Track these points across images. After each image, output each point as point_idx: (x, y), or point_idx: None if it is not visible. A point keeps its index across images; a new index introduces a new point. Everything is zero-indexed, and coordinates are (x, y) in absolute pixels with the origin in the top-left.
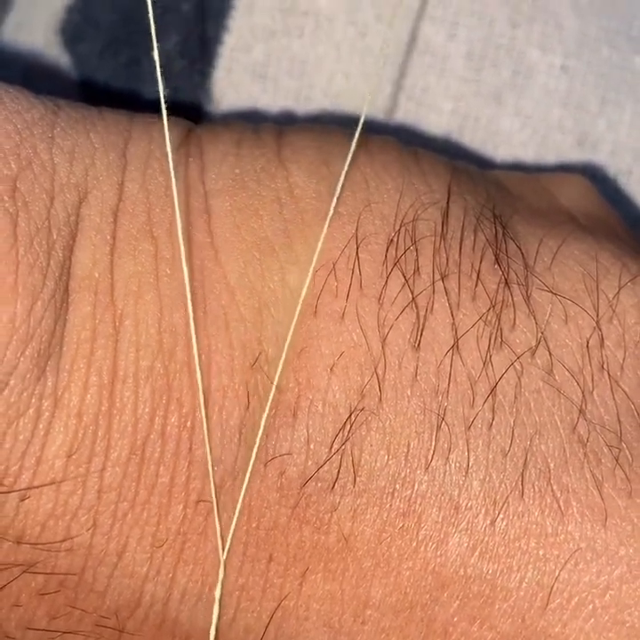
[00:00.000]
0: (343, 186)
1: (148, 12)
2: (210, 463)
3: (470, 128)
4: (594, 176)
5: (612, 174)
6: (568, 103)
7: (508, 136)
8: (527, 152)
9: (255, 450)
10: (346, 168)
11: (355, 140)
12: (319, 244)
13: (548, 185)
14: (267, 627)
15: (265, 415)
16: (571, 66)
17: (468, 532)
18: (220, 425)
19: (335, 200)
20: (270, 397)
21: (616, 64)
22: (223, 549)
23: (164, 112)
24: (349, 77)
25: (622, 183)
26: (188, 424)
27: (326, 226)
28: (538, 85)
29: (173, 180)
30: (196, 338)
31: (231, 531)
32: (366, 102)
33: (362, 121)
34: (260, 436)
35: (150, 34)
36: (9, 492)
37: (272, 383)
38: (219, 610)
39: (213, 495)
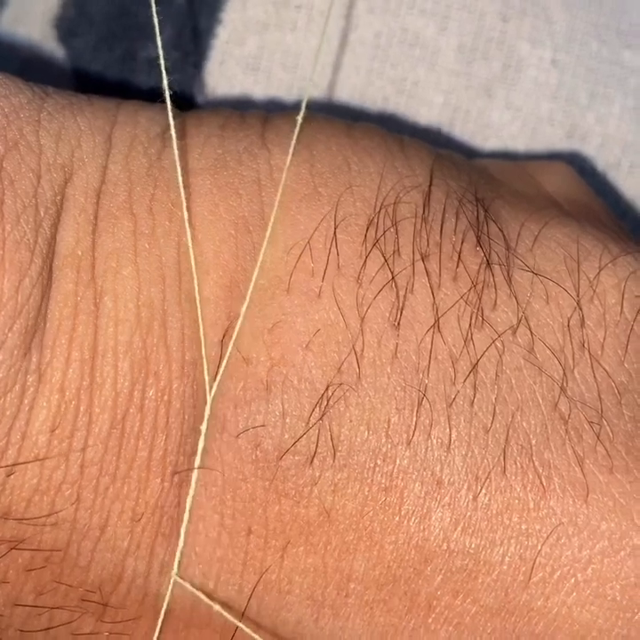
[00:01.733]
0: (324, 168)
1: (142, 6)
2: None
3: (461, 120)
4: (583, 168)
5: (601, 166)
6: (558, 96)
7: (498, 128)
8: (517, 144)
9: (205, 423)
10: (291, 150)
11: (300, 117)
12: (271, 221)
13: (532, 171)
14: (249, 599)
15: (214, 385)
16: (560, 59)
17: (451, 506)
18: (193, 397)
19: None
20: (220, 369)
21: (605, 58)
22: (184, 519)
23: (168, 99)
24: (340, 69)
25: (611, 175)
26: (165, 397)
27: (275, 208)
28: (528, 79)
29: (177, 159)
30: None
31: (189, 499)
32: (309, 84)
33: (305, 102)
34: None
35: (146, 27)
36: None
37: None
38: (181, 580)
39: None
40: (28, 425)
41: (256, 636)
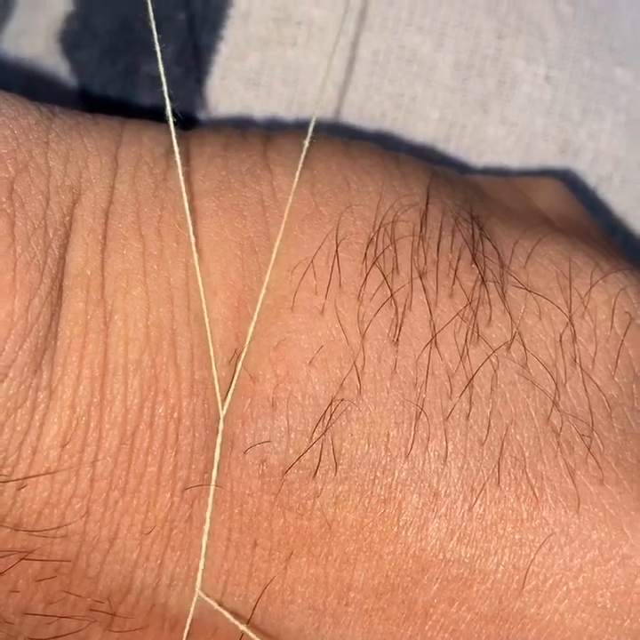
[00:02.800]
0: (325, 187)
1: (146, 22)
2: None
3: (457, 135)
4: (575, 182)
5: (593, 181)
6: (551, 112)
7: (493, 143)
8: (512, 159)
9: (219, 438)
10: (298, 174)
11: (307, 140)
12: (277, 242)
13: (524, 188)
14: (253, 610)
15: (226, 404)
16: (554, 76)
17: (447, 517)
18: (203, 415)
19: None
20: (231, 388)
21: (598, 75)
22: (204, 537)
23: (171, 118)
24: (340, 85)
25: (602, 189)
26: (175, 415)
27: (282, 228)
28: (522, 95)
29: (182, 184)
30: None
31: (208, 516)
32: (317, 105)
33: (312, 122)
34: (230, 426)
35: (149, 41)
36: (7, 482)
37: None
38: (203, 595)
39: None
40: (39, 440)
41: None
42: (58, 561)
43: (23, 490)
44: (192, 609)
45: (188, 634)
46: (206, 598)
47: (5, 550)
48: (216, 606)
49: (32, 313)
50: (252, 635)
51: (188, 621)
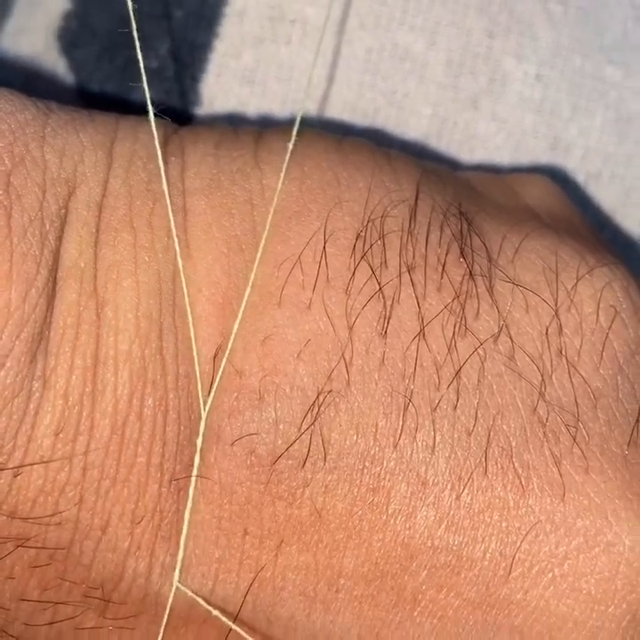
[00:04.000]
0: (314, 184)
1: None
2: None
3: (448, 131)
4: (565, 179)
5: (583, 177)
6: (542, 109)
7: (484, 140)
8: (502, 155)
9: (202, 430)
10: (283, 175)
11: (293, 137)
12: (265, 234)
13: (513, 185)
14: (245, 597)
15: (209, 400)
16: (545, 74)
17: (435, 506)
18: (188, 409)
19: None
20: (214, 382)
21: (588, 73)
22: (184, 527)
23: (151, 115)
24: (333, 82)
25: (592, 185)
26: (163, 407)
27: (268, 224)
28: (513, 92)
29: (164, 178)
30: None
31: (188, 505)
32: (302, 101)
33: (298, 118)
34: (215, 419)
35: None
36: (2, 470)
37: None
38: (182, 586)
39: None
40: (33, 428)
41: (248, 637)
42: (52, 548)
43: (18, 477)
44: (171, 599)
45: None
46: (184, 589)
47: (2, 537)
48: (196, 597)
49: (29, 303)
50: (233, 625)
51: (166, 612)
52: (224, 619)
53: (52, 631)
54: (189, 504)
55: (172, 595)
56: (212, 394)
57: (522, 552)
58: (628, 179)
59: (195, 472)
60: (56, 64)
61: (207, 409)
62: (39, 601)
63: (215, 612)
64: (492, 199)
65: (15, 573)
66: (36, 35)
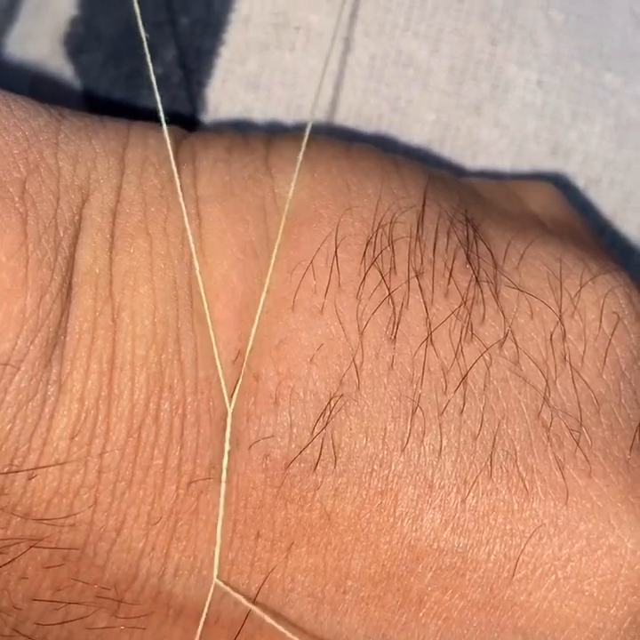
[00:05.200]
0: (325, 190)
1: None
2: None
3: (451, 137)
4: (566, 184)
5: (583, 182)
6: (543, 115)
7: (486, 145)
8: (504, 160)
9: (228, 434)
10: (296, 174)
11: (301, 154)
12: (278, 240)
13: (517, 191)
14: (255, 598)
15: (233, 402)
16: (546, 81)
17: (441, 508)
18: (208, 412)
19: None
20: (237, 385)
21: (588, 80)
22: (218, 529)
23: (163, 122)
24: (338, 89)
25: (592, 190)
26: (180, 411)
27: (281, 229)
28: (515, 98)
29: (179, 186)
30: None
31: (220, 509)
32: (313, 108)
33: (309, 125)
34: (235, 422)
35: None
36: (18, 472)
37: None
38: (221, 583)
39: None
40: (48, 431)
41: (286, 631)
42: (66, 549)
43: (33, 480)
44: (210, 596)
45: (192, 622)
46: (224, 585)
47: (16, 538)
48: (237, 596)
49: (43, 309)
50: (259, 612)
51: (204, 612)
52: (259, 611)
53: (63, 631)
54: (222, 501)
55: (210, 594)
56: (234, 398)
57: (525, 554)
58: (628, 184)
59: (223, 476)
60: (62, 69)
61: (230, 411)
62: (51, 601)
63: (253, 608)
64: (497, 205)
65: (28, 574)
66: (42, 40)
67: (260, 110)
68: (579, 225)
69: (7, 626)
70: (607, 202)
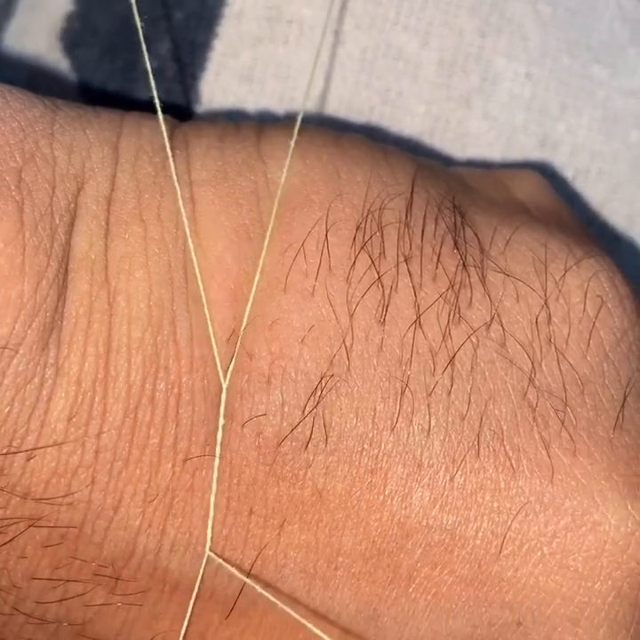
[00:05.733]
0: (316, 176)
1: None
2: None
3: (441, 129)
4: (554, 175)
5: (571, 173)
6: (531, 108)
7: (475, 137)
8: (493, 152)
9: (222, 409)
10: (288, 160)
11: (295, 131)
12: (270, 228)
13: (504, 179)
14: (248, 574)
15: (228, 377)
16: (534, 73)
17: (430, 486)
18: (203, 390)
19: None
20: (232, 361)
21: (576, 72)
22: (211, 503)
23: (159, 109)
24: (329, 81)
25: (580, 181)
26: (175, 390)
27: (274, 213)
28: (504, 91)
29: (173, 169)
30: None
31: (214, 486)
32: (304, 99)
33: (301, 114)
34: (229, 400)
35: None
36: (17, 453)
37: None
38: (214, 555)
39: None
40: (46, 413)
41: (279, 602)
42: (64, 528)
43: (32, 460)
44: (202, 568)
45: (187, 597)
46: (216, 557)
47: (15, 517)
48: (231, 569)
49: (40, 294)
50: (252, 584)
51: (198, 580)
52: (253, 584)
53: (62, 608)
54: (215, 476)
55: (203, 566)
56: (228, 375)
57: (512, 531)
58: (615, 175)
59: (218, 450)
60: (59, 64)
61: (225, 388)
62: (50, 579)
63: (246, 580)
64: (484, 193)
65: (27, 552)
66: (38, 35)
67: (254, 102)
68: (564, 212)
69: (7, 604)
70: (595, 193)
